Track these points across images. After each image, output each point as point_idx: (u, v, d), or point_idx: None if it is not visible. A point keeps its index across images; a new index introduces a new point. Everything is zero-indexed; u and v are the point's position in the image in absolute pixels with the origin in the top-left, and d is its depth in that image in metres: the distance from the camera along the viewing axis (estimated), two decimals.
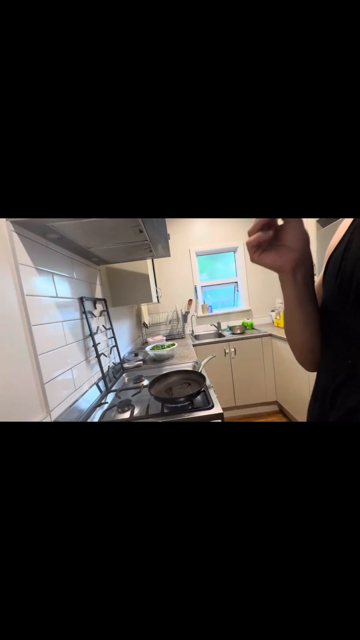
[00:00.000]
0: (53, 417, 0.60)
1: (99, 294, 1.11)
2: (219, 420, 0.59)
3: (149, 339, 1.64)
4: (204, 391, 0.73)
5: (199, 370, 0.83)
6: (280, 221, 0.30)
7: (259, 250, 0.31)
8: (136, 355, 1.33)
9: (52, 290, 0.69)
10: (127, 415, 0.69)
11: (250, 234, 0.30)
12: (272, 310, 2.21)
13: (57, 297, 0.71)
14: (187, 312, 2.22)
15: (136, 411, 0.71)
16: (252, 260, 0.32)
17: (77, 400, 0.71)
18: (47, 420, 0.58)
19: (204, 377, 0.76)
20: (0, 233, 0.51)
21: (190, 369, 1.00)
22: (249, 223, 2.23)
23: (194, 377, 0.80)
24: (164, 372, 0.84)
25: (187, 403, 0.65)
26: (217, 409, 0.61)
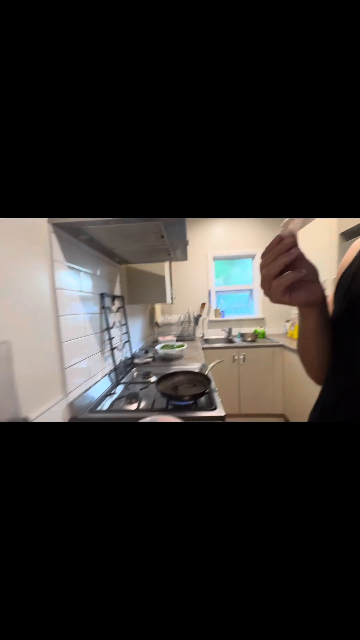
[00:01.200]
0: (69, 399, 0.67)
1: (117, 292, 1.18)
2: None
3: (160, 338, 1.70)
4: (207, 393, 0.75)
5: (206, 373, 0.86)
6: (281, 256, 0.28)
7: (289, 291, 0.29)
8: (146, 352, 1.38)
9: (78, 285, 0.77)
10: (134, 406, 0.74)
11: (268, 270, 0.28)
12: (287, 321, 2.16)
13: (81, 291, 0.78)
14: (199, 315, 2.25)
15: (142, 404, 0.76)
16: (279, 301, 0.29)
17: (90, 388, 0.78)
18: (65, 402, 0.64)
19: (209, 380, 0.79)
20: (42, 234, 0.59)
21: (197, 370, 1.04)
22: (268, 229, 2.21)
23: (200, 379, 0.83)
24: (172, 371, 0.88)
25: (191, 402, 0.69)
26: (219, 412, 0.64)
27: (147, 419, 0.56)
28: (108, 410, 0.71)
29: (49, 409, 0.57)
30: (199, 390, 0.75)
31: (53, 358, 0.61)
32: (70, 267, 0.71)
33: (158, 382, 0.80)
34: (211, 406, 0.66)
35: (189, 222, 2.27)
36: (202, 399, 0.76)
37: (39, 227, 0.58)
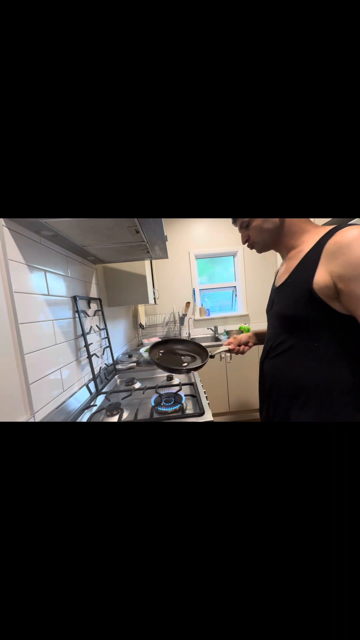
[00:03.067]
0: (37, 418, 0.58)
1: (94, 294, 1.09)
2: None
3: (145, 341, 1.62)
4: (195, 396, 0.71)
5: (211, 354, 0.73)
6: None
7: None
8: (130, 356, 1.31)
9: (44, 288, 0.68)
10: (115, 419, 0.68)
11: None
12: None
13: (48, 295, 0.69)
14: (185, 315, 2.21)
15: (125, 415, 0.69)
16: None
17: (65, 401, 0.69)
18: (31, 421, 0.56)
19: (207, 353, 0.70)
20: None
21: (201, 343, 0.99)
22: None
23: (199, 351, 0.73)
24: (168, 338, 0.78)
25: (185, 371, 0.64)
26: (207, 416, 0.60)
27: None
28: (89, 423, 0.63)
29: None
30: (196, 364, 0.68)
31: (12, 372, 0.52)
32: (31, 267, 0.62)
33: (151, 349, 0.72)
34: (199, 411, 0.62)
35: (168, 219, 2.22)
36: (190, 404, 0.72)
37: None
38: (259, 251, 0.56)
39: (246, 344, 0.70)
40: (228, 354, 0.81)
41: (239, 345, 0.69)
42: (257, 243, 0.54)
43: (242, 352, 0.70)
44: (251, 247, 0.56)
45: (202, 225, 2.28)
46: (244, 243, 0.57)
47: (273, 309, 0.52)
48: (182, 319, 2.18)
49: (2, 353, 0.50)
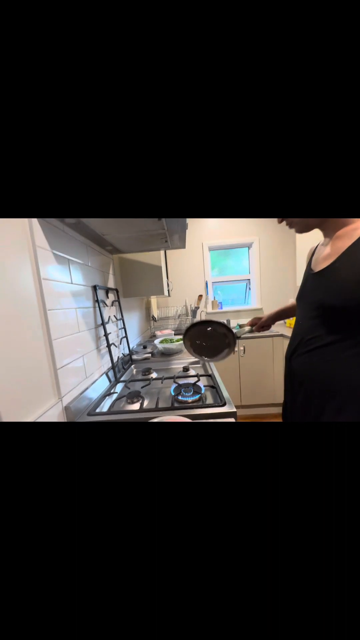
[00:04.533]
0: (64, 403, 0.60)
1: (111, 284, 1.10)
2: (232, 419, 0.57)
3: (157, 333, 1.63)
4: (214, 387, 0.71)
5: (239, 336, 0.72)
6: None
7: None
8: (145, 347, 1.32)
9: (67, 276, 0.68)
10: (136, 406, 0.69)
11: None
12: None
13: (71, 283, 0.70)
14: (197, 308, 2.19)
15: (146, 402, 0.70)
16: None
17: (87, 389, 0.71)
18: (59, 406, 0.58)
19: (231, 331, 0.69)
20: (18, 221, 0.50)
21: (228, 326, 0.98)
22: (263, 218, 2.15)
23: (222, 331, 0.70)
24: (203, 320, 0.75)
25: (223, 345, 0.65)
26: (229, 407, 0.59)
27: (154, 420, 0.50)
28: (109, 412, 0.65)
29: (43, 414, 0.51)
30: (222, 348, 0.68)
31: (42, 357, 0.54)
32: (56, 255, 0.63)
33: (187, 330, 0.70)
34: (220, 402, 0.62)
35: None
36: (209, 395, 0.72)
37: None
38: (299, 231, 0.48)
39: (265, 323, 0.72)
40: (242, 347, 0.80)
41: (258, 324, 0.71)
42: (297, 222, 0.46)
43: (267, 328, 0.71)
44: (290, 226, 0.48)
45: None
46: (280, 222, 0.49)
47: (310, 298, 0.46)
48: (194, 312, 2.16)
49: (34, 338, 0.52)
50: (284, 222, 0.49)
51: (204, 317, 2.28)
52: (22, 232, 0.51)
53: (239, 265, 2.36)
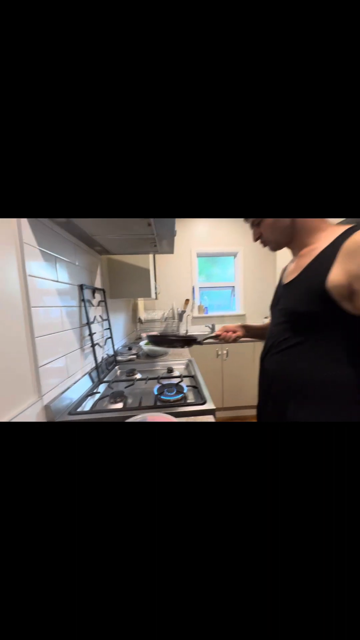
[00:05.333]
0: (44, 401, 0.59)
1: (98, 284, 1.10)
2: (211, 416, 0.60)
3: (143, 335, 1.64)
4: (196, 387, 0.74)
5: (202, 341, 0.78)
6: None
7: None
8: (130, 349, 1.32)
9: (54, 274, 0.68)
10: (119, 405, 0.69)
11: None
12: (265, 317, 2.26)
13: (57, 281, 0.70)
14: (183, 312, 2.23)
15: (129, 402, 0.71)
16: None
17: (68, 388, 0.71)
18: (39, 405, 0.57)
19: (195, 339, 0.77)
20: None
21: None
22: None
23: (190, 341, 0.79)
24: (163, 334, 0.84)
25: (178, 344, 0.73)
26: (209, 405, 0.63)
27: (137, 417, 0.52)
28: (91, 411, 0.64)
29: (21, 413, 0.50)
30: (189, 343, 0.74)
31: (23, 355, 0.53)
32: (43, 253, 0.62)
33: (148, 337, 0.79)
34: (201, 400, 0.65)
35: None
36: (191, 394, 0.75)
37: None
38: (272, 249, 0.55)
39: (234, 331, 0.73)
40: (225, 351, 0.85)
41: (227, 332, 0.73)
42: (270, 241, 0.53)
43: (230, 339, 0.73)
44: (264, 244, 0.55)
45: (205, 224, 2.30)
46: (255, 240, 0.56)
47: (279, 305, 0.53)
48: (180, 316, 2.20)
49: (16, 335, 0.51)
50: (260, 240, 0.56)
51: (189, 321, 2.32)
52: (9, 228, 0.50)
53: (225, 272, 2.46)
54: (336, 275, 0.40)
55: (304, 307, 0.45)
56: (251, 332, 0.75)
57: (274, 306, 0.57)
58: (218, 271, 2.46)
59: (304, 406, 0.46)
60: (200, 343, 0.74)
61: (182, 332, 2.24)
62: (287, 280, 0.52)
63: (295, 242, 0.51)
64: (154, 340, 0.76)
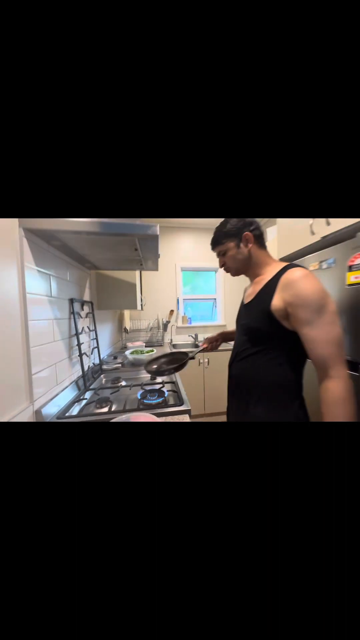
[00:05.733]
0: (35, 407, 0.64)
1: (87, 297, 1.17)
2: (187, 415, 0.70)
3: (129, 344, 1.70)
4: (176, 391, 0.83)
5: (191, 355, 0.89)
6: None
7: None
8: (115, 358, 1.38)
9: (48, 290, 0.75)
10: (105, 409, 0.76)
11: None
12: None
13: (51, 296, 0.77)
14: (168, 322, 2.34)
15: (114, 407, 0.78)
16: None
17: (57, 394, 0.76)
18: (30, 410, 0.62)
19: (186, 354, 0.87)
20: (12, 238, 0.58)
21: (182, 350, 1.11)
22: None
23: (180, 356, 0.90)
24: (158, 356, 0.94)
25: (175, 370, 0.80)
26: (186, 406, 0.72)
27: (122, 417, 0.59)
28: (78, 415, 0.70)
29: (14, 417, 0.55)
30: (179, 362, 0.83)
31: (19, 364, 0.59)
32: (40, 272, 0.70)
33: (146, 365, 0.87)
34: (179, 402, 0.74)
35: (159, 232, 2.38)
36: (172, 398, 0.84)
37: (9, 231, 0.58)
38: (232, 275, 0.70)
39: (216, 340, 0.93)
40: (206, 360, 0.97)
41: (210, 343, 0.92)
42: (231, 268, 0.68)
43: (215, 348, 0.92)
44: (227, 271, 0.70)
45: (190, 239, 2.49)
46: (220, 267, 0.71)
47: (241, 322, 0.67)
48: (165, 326, 2.30)
49: (14, 345, 0.57)
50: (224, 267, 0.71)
51: (174, 331, 2.43)
52: (13, 250, 0.58)
53: (208, 285, 2.65)
54: (276, 301, 0.54)
55: (257, 324, 0.59)
56: (228, 337, 0.92)
57: (238, 321, 0.71)
58: (202, 283, 2.63)
59: (259, 404, 0.59)
60: (192, 358, 0.86)
61: (166, 341, 2.33)
62: (246, 300, 0.67)
63: (250, 272, 0.66)
64: (155, 372, 0.85)
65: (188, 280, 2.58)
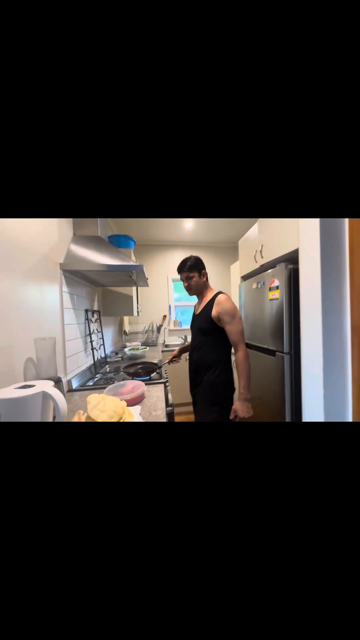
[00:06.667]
0: (68, 377, 1.04)
1: (95, 307, 1.58)
2: (162, 386, 1.08)
3: (127, 344, 2.09)
4: (158, 370, 1.23)
5: (160, 365, 1.31)
6: None
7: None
8: (116, 353, 1.77)
9: (73, 304, 1.16)
10: (112, 382, 1.15)
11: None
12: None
13: (74, 308, 1.18)
14: (161, 325, 2.73)
15: (115, 381, 1.17)
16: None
17: (79, 373, 1.15)
18: (65, 379, 1.01)
19: (157, 365, 1.27)
20: (57, 275, 0.99)
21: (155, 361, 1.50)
22: (216, 258, 2.93)
23: (152, 367, 1.29)
24: (134, 362, 1.33)
25: (147, 377, 1.15)
26: (163, 380, 1.11)
27: (120, 382, 0.98)
28: (93, 385, 1.09)
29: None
30: (150, 371, 1.22)
31: (60, 350, 0.99)
32: (68, 293, 1.11)
33: (125, 368, 1.24)
34: (161, 380, 1.13)
35: (153, 247, 2.81)
36: (156, 375, 1.23)
37: (55, 271, 0.98)
38: (190, 295, 1.09)
39: (177, 355, 1.32)
40: (175, 360, 1.34)
41: (173, 357, 1.32)
42: (192, 290, 1.07)
43: (178, 361, 1.31)
44: (187, 290, 1.08)
45: (179, 254, 2.91)
46: (184, 286, 1.07)
47: (195, 325, 1.10)
48: (159, 329, 2.70)
49: (59, 338, 0.97)
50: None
51: (166, 333, 2.82)
52: (56, 281, 0.99)
53: None
54: (214, 313, 0.98)
55: (205, 326, 1.01)
56: (185, 350, 1.30)
57: (192, 327, 1.14)
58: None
59: (210, 374, 1.00)
60: (160, 367, 1.27)
61: (160, 342, 2.71)
62: (197, 312, 1.11)
63: (200, 294, 1.10)
64: (131, 374, 1.18)
65: (180, 287, 2.99)
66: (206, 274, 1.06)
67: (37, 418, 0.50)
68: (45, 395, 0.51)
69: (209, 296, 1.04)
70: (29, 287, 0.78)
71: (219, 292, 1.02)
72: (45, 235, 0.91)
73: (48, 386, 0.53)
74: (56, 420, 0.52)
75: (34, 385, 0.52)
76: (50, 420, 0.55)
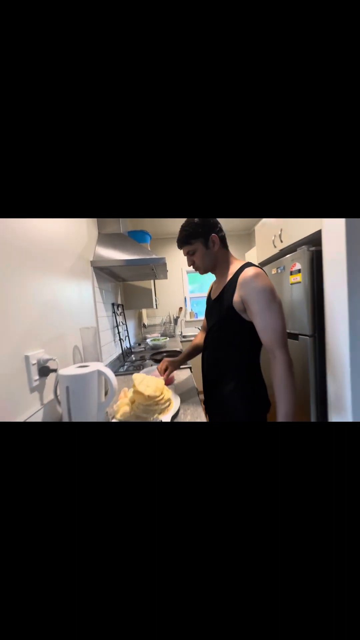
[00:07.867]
0: (104, 363, 1.16)
1: (119, 301, 1.69)
2: (189, 369, 1.16)
3: (148, 335, 2.21)
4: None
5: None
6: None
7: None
8: (139, 344, 1.89)
9: (102, 299, 1.27)
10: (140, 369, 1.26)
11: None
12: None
13: (103, 302, 1.29)
14: (178, 317, 2.81)
15: (142, 371, 1.28)
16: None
17: (111, 361, 1.27)
18: (102, 365, 1.13)
19: (180, 352, 1.35)
20: (89, 272, 1.09)
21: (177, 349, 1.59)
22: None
23: (176, 354, 1.38)
24: (160, 351, 1.43)
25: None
26: (189, 365, 1.19)
27: (146, 369, 1.08)
28: (125, 372, 1.21)
29: (95, 367, 1.06)
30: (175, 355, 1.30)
31: (96, 341, 1.11)
32: (100, 289, 1.21)
33: (152, 355, 1.34)
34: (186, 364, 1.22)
35: (166, 240, 2.85)
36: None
37: (87, 268, 1.08)
38: (202, 273, 0.76)
39: (167, 369, 0.91)
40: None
41: (166, 374, 0.92)
42: (200, 268, 0.74)
43: (172, 379, 0.98)
44: (195, 269, 0.75)
45: None
46: (189, 266, 0.76)
47: (211, 313, 0.77)
48: (175, 320, 2.78)
49: (94, 329, 1.09)
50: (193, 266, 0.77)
51: (183, 324, 2.90)
52: (89, 278, 1.09)
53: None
54: (236, 297, 0.63)
55: (223, 316, 0.68)
56: (185, 358, 0.94)
57: (208, 314, 0.81)
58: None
59: (218, 387, 0.71)
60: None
61: (177, 333, 2.80)
62: (214, 296, 0.75)
63: (216, 269, 0.74)
64: (158, 361, 1.18)
65: (194, 279, 3.02)
66: (218, 238, 0.69)
67: (95, 391, 0.61)
68: (100, 373, 0.62)
69: (231, 271, 0.69)
70: (71, 284, 0.88)
71: (246, 264, 0.66)
72: (79, 236, 1.00)
73: (101, 366, 0.63)
74: (109, 394, 0.62)
75: (89, 366, 0.63)
76: (103, 392, 0.65)
